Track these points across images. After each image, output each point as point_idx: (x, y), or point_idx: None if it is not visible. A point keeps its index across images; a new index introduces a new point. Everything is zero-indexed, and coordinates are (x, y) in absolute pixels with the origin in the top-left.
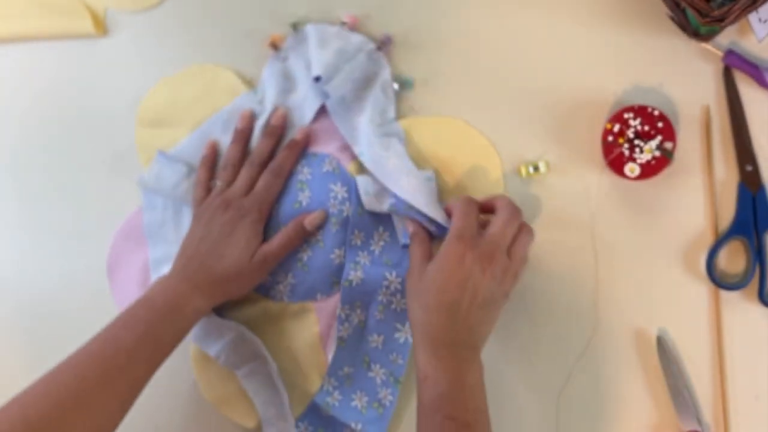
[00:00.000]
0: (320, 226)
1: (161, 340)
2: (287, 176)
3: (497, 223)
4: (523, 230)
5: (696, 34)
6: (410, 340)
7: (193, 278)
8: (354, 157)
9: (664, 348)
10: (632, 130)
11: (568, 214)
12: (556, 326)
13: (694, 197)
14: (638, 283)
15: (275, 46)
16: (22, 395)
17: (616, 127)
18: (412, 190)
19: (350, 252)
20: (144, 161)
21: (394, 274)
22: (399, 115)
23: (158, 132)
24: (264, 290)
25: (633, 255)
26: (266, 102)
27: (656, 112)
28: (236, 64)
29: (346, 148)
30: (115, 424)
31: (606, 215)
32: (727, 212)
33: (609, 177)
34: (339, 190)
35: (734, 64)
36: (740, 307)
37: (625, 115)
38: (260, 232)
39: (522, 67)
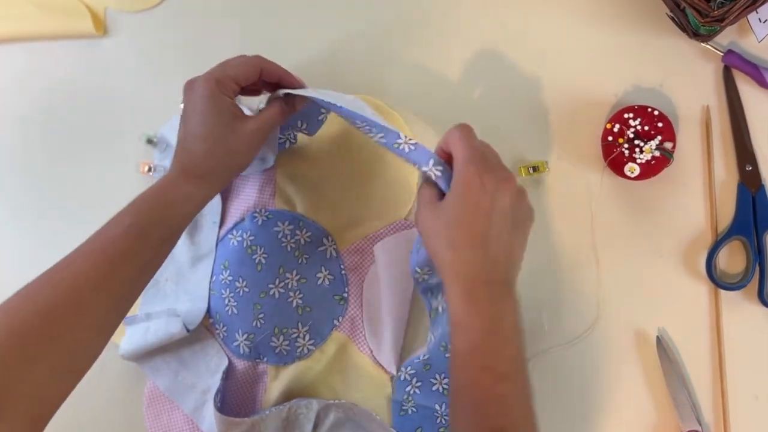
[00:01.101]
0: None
1: (151, 233)
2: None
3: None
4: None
5: (696, 34)
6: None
7: (180, 159)
8: (274, 192)
9: (663, 348)
10: (632, 130)
11: (568, 214)
12: (555, 326)
13: (694, 197)
14: (638, 283)
15: (149, 168)
16: (7, 302)
17: (616, 127)
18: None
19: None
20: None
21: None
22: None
23: None
24: (291, 358)
25: (633, 255)
26: None
27: (656, 112)
28: None
29: (263, 188)
30: (111, 329)
31: (606, 215)
32: (727, 212)
33: (609, 177)
34: (284, 227)
35: (734, 64)
36: (740, 307)
37: (625, 115)
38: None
39: (522, 68)
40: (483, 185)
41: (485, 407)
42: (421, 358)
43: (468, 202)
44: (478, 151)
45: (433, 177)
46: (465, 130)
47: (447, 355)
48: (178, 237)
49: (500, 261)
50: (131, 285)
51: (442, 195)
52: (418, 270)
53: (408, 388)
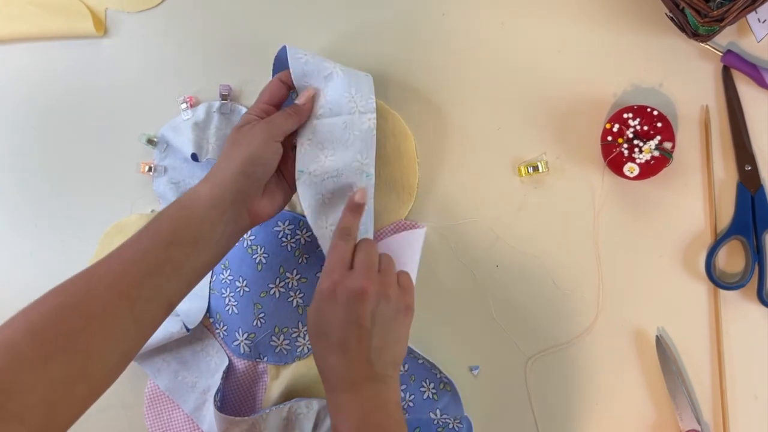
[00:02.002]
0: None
1: (161, 234)
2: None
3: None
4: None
5: (695, 34)
6: None
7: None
8: None
9: (663, 347)
10: (631, 130)
11: (567, 213)
12: (555, 326)
13: (694, 197)
14: (637, 283)
15: (150, 168)
16: (27, 305)
17: (616, 127)
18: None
19: None
20: None
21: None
22: None
23: None
24: (292, 357)
25: (632, 254)
26: None
27: (655, 112)
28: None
29: None
30: (125, 337)
31: (605, 215)
32: (726, 212)
33: (608, 177)
34: (284, 227)
35: (733, 64)
36: (739, 306)
37: (625, 115)
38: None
39: (521, 68)
40: (335, 297)
41: None
42: (404, 369)
43: (322, 312)
44: (339, 263)
45: None
46: (336, 240)
47: (420, 361)
48: (197, 246)
49: (363, 364)
50: (145, 284)
51: None
52: None
53: (402, 404)
